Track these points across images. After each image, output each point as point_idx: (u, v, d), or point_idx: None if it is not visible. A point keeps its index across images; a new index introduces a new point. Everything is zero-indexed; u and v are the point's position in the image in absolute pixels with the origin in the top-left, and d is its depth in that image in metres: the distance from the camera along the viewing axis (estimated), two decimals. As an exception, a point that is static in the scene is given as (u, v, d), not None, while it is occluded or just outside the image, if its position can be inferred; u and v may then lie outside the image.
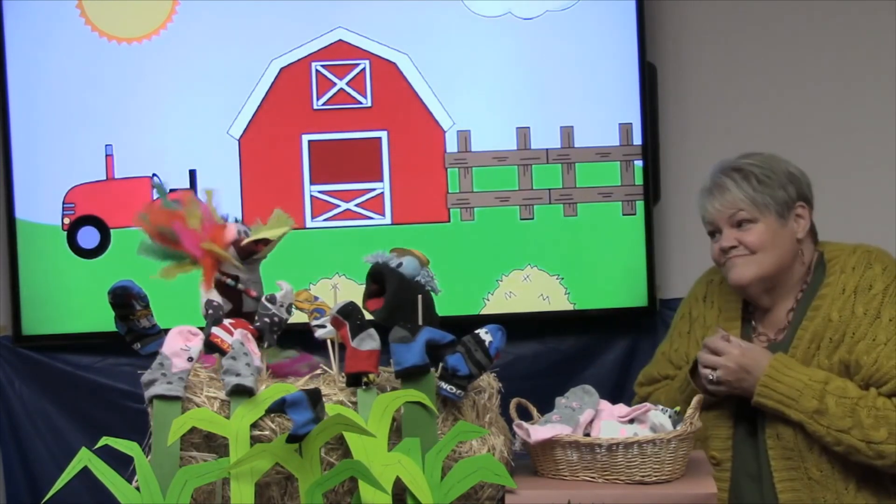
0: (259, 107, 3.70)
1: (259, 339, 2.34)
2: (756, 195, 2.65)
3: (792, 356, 2.62)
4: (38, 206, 3.69)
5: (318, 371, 2.37)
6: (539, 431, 2.36)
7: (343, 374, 2.30)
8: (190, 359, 2.30)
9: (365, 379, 2.26)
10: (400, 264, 2.40)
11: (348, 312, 2.31)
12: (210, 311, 2.40)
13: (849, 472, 2.58)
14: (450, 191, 3.72)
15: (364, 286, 2.45)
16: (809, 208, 2.71)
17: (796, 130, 3.73)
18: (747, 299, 2.75)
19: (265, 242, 2.45)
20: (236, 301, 2.44)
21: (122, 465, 2.20)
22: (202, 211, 2.46)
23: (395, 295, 2.37)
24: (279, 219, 2.48)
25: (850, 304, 2.61)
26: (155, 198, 2.57)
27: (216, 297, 2.42)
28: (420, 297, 2.37)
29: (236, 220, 2.52)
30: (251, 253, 2.45)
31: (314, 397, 2.16)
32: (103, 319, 2.59)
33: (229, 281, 2.43)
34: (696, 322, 2.84)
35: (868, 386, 2.56)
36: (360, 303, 2.39)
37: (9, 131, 3.67)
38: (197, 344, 2.32)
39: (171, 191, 3.64)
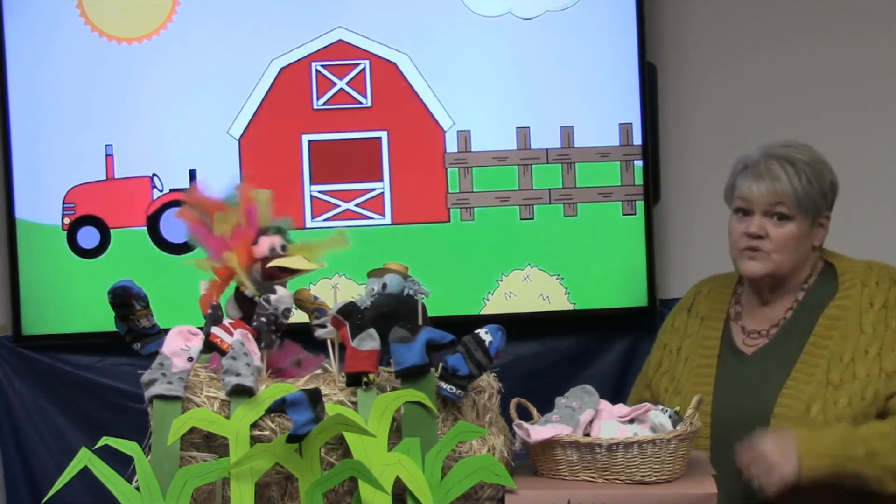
0: (259, 107, 3.70)
1: (258, 339, 2.34)
2: (804, 195, 2.62)
3: (804, 362, 2.61)
4: (38, 206, 3.69)
5: (318, 371, 2.37)
6: (539, 431, 2.35)
7: (343, 374, 2.29)
8: (190, 359, 2.29)
9: (365, 379, 2.26)
10: (384, 285, 2.40)
11: (348, 312, 2.30)
12: (210, 311, 2.39)
13: (843, 492, 2.57)
14: (450, 191, 3.72)
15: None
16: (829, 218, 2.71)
17: (797, 130, 3.68)
18: (752, 289, 2.75)
19: (290, 271, 2.40)
20: (249, 313, 2.38)
21: (122, 465, 2.20)
22: (241, 216, 2.40)
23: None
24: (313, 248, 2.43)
25: (882, 317, 2.60)
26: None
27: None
28: (420, 302, 2.38)
29: (279, 232, 2.43)
30: (274, 276, 2.39)
31: (314, 397, 2.16)
32: (103, 319, 2.58)
33: (247, 292, 2.39)
34: (677, 332, 2.84)
35: None
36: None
37: (9, 131, 3.67)
38: (197, 344, 2.31)
39: (175, 190, 3.68)
